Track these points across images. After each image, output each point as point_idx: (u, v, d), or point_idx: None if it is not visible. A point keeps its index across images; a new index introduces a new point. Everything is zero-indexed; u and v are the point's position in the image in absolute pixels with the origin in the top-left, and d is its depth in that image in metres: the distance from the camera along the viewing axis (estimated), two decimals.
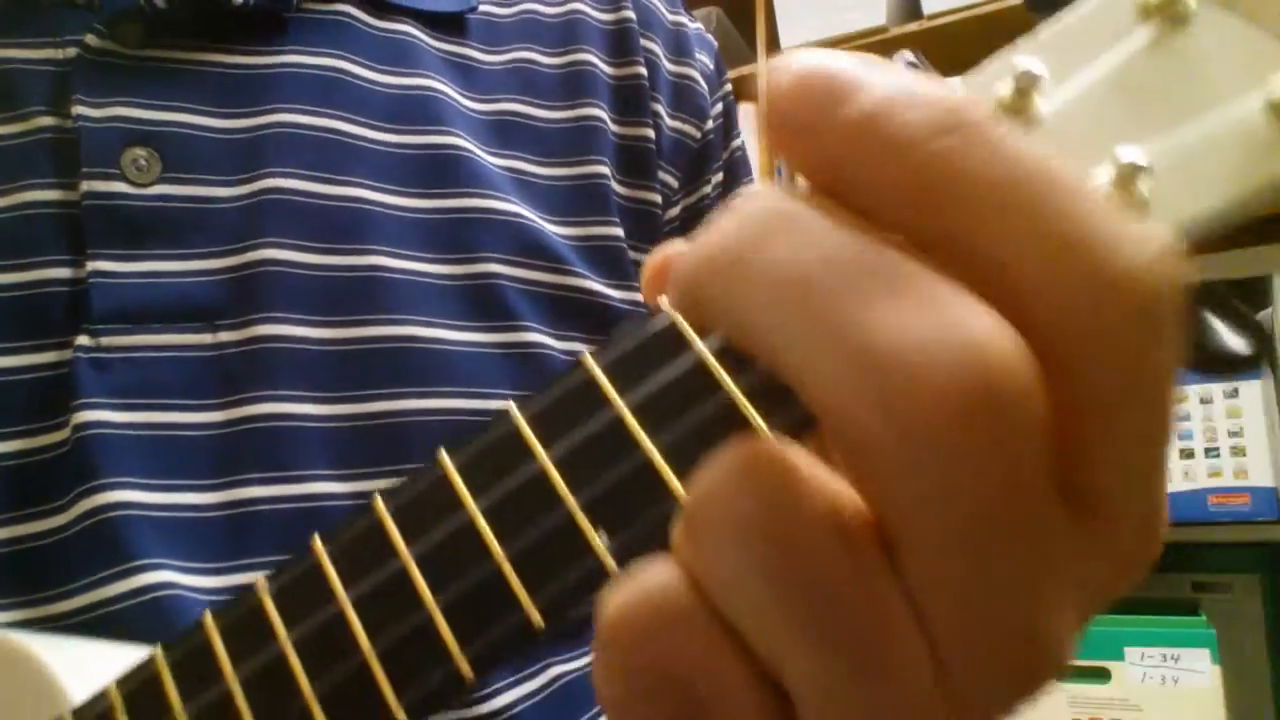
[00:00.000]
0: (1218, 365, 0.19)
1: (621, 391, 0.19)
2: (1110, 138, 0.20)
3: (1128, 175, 0.19)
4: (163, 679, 0.21)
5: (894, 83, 0.16)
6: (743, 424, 0.18)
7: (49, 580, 0.33)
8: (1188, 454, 1.22)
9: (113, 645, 0.29)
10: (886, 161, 0.15)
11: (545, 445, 0.19)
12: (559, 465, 0.19)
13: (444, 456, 0.20)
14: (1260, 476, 1.18)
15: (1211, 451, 1.21)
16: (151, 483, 0.34)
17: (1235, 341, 0.18)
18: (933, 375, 0.14)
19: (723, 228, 0.16)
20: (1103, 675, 1.13)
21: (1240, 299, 1.26)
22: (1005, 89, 0.21)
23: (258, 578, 0.21)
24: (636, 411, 0.19)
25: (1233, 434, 1.20)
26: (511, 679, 0.38)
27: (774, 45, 1.62)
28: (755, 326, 0.16)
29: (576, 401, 0.19)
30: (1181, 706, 1.08)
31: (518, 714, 0.38)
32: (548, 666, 0.40)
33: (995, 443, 0.14)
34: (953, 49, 1.52)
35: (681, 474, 0.18)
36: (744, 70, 1.64)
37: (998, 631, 0.16)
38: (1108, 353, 0.15)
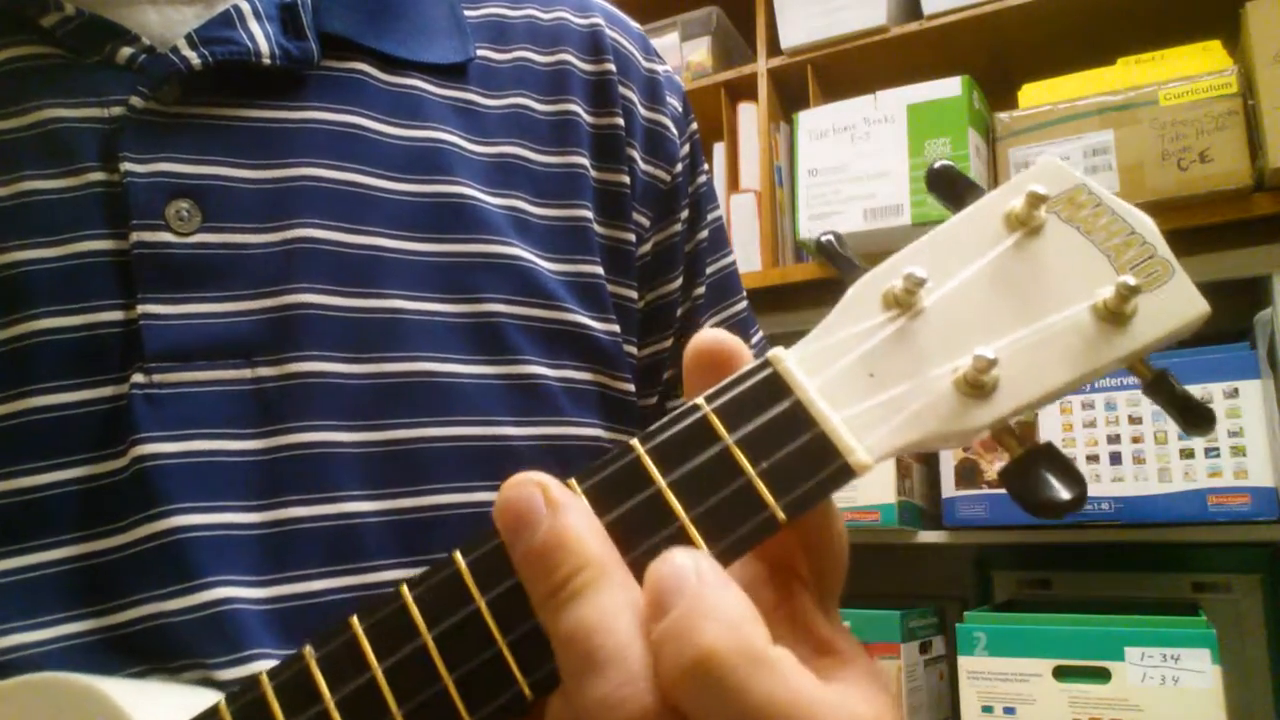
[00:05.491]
0: (1049, 509, 0.25)
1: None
2: (973, 333, 0.26)
3: (982, 367, 0.25)
4: (269, 700, 0.26)
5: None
6: None
7: (112, 592, 0.36)
8: (1188, 454, 1.22)
9: (178, 687, 0.34)
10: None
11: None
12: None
13: (457, 555, 0.26)
14: (1260, 476, 1.18)
15: (1211, 451, 1.21)
16: (204, 505, 0.37)
17: (1062, 490, 0.27)
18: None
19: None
20: (1103, 675, 1.13)
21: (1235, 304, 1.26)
22: (897, 285, 0.26)
23: (351, 620, 0.26)
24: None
25: (1233, 434, 1.20)
26: None
27: (774, 45, 1.62)
28: None
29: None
30: (1181, 706, 1.08)
31: None
32: None
33: None
34: (953, 49, 1.52)
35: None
36: (744, 70, 1.64)
37: None
38: (683, 697, 0.23)
